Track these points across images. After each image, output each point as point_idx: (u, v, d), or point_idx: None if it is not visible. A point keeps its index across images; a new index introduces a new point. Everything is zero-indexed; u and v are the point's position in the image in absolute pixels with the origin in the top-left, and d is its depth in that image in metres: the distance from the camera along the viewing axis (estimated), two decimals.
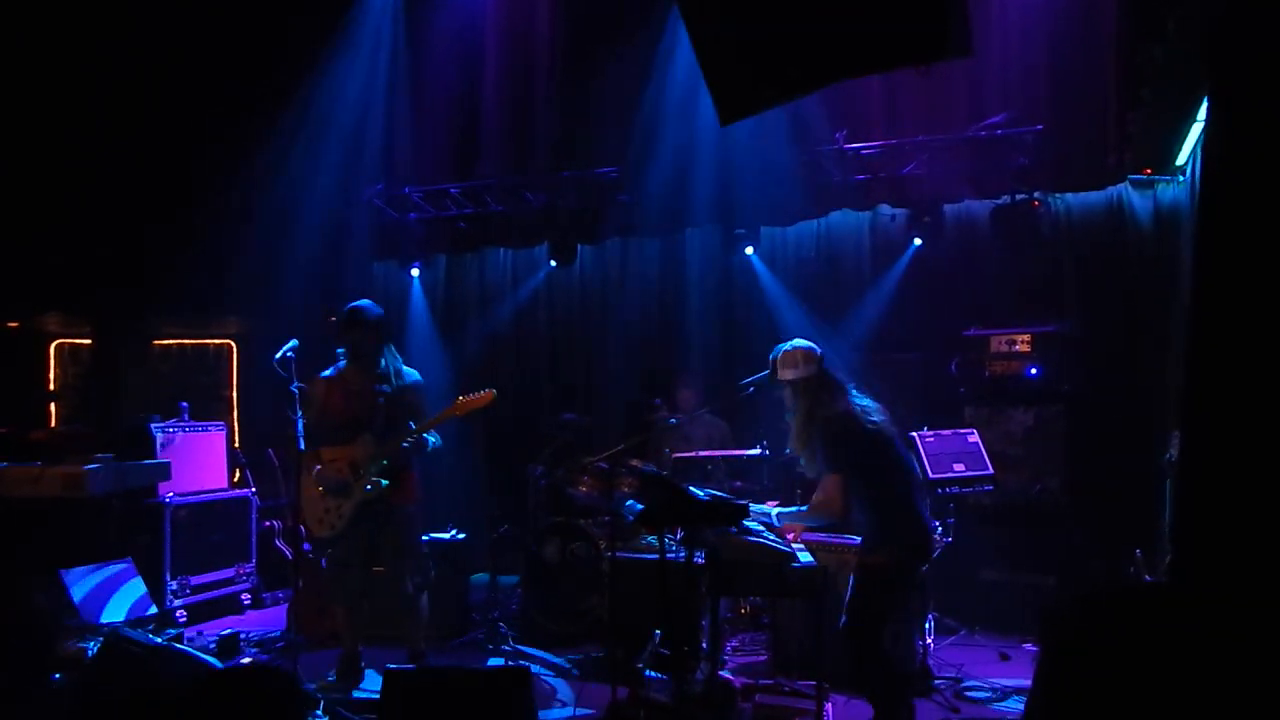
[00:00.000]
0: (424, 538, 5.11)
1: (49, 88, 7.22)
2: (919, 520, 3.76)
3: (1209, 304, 1.85)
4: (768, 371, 3.99)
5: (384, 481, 4.57)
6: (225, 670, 3.47)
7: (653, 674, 4.05)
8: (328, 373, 4.78)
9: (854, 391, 3.89)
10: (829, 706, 4.12)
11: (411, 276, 7.84)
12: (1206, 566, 1.79)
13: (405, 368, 4.82)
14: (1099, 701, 1.55)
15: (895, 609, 3.87)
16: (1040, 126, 5.84)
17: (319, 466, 4.63)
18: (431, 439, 4.71)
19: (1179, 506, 1.94)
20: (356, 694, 4.56)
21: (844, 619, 3.71)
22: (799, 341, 3.97)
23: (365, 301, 4.78)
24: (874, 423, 3.79)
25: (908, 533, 3.71)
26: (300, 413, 4.41)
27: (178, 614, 5.81)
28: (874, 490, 3.72)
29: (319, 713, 4.16)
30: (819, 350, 3.93)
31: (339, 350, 4.75)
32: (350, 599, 4.72)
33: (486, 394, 4.66)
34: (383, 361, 4.71)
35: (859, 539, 4.49)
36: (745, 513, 3.59)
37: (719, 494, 3.72)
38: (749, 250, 6.83)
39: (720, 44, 2.42)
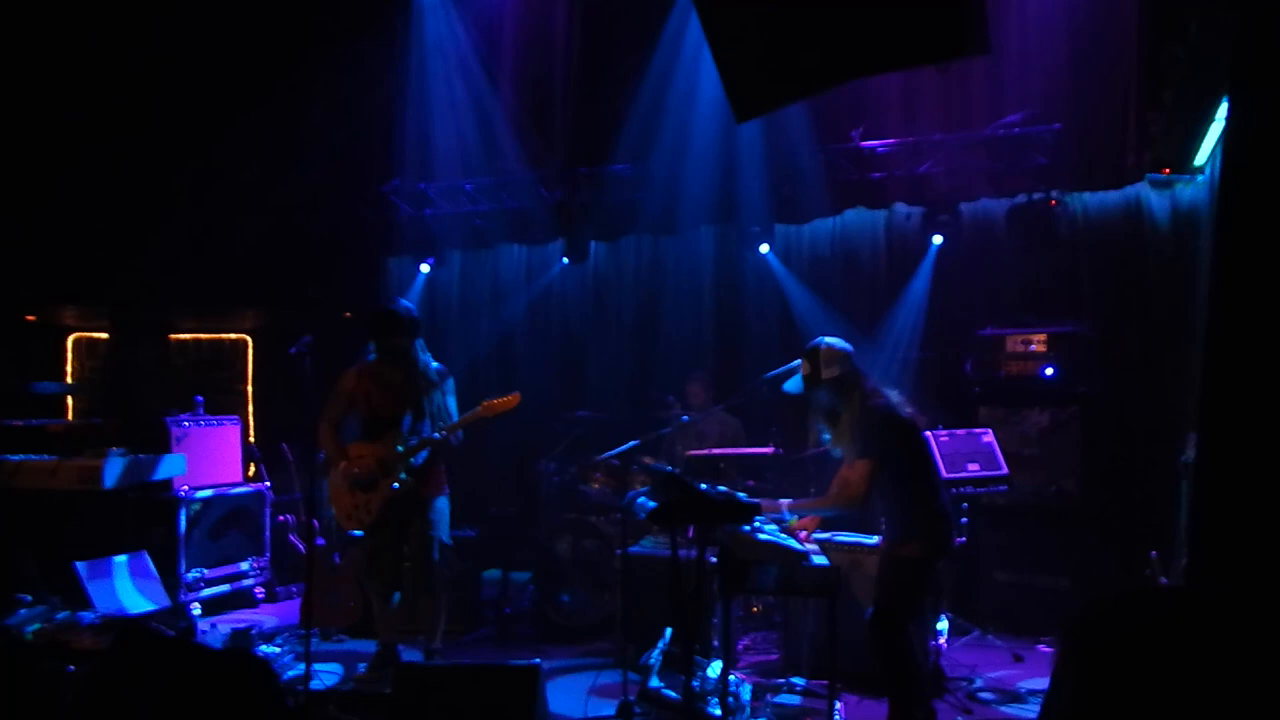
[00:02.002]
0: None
1: (69, 82, 7.27)
2: (947, 513, 3.86)
3: (1227, 305, 1.83)
4: (799, 374, 3.97)
5: (404, 476, 4.58)
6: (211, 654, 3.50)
7: (664, 672, 4.04)
8: (355, 367, 4.79)
9: (878, 383, 3.96)
10: (840, 706, 4.10)
11: (421, 272, 7.85)
12: (1223, 570, 1.77)
13: (434, 363, 4.82)
14: (1116, 706, 1.54)
15: (923, 602, 3.89)
16: (1058, 125, 5.80)
17: (344, 463, 4.64)
18: (453, 437, 4.71)
19: (1196, 509, 1.92)
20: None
21: (871, 610, 3.73)
22: (831, 340, 3.98)
23: (400, 302, 4.80)
24: (910, 416, 3.87)
25: (938, 524, 3.79)
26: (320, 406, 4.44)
27: (191, 607, 5.84)
28: (911, 482, 3.79)
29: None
30: (850, 346, 3.96)
31: (369, 345, 4.73)
32: (384, 589, 4.73)
33: (513, 397, 4.63)
34: (413, 358, 4.71)
35: (873, 538, 4.50)
36: (758, 511, 3.59)
37: (731, 492, 3.71)
38: (764, 248, 6.82)
39: (736, 41, 2.41)
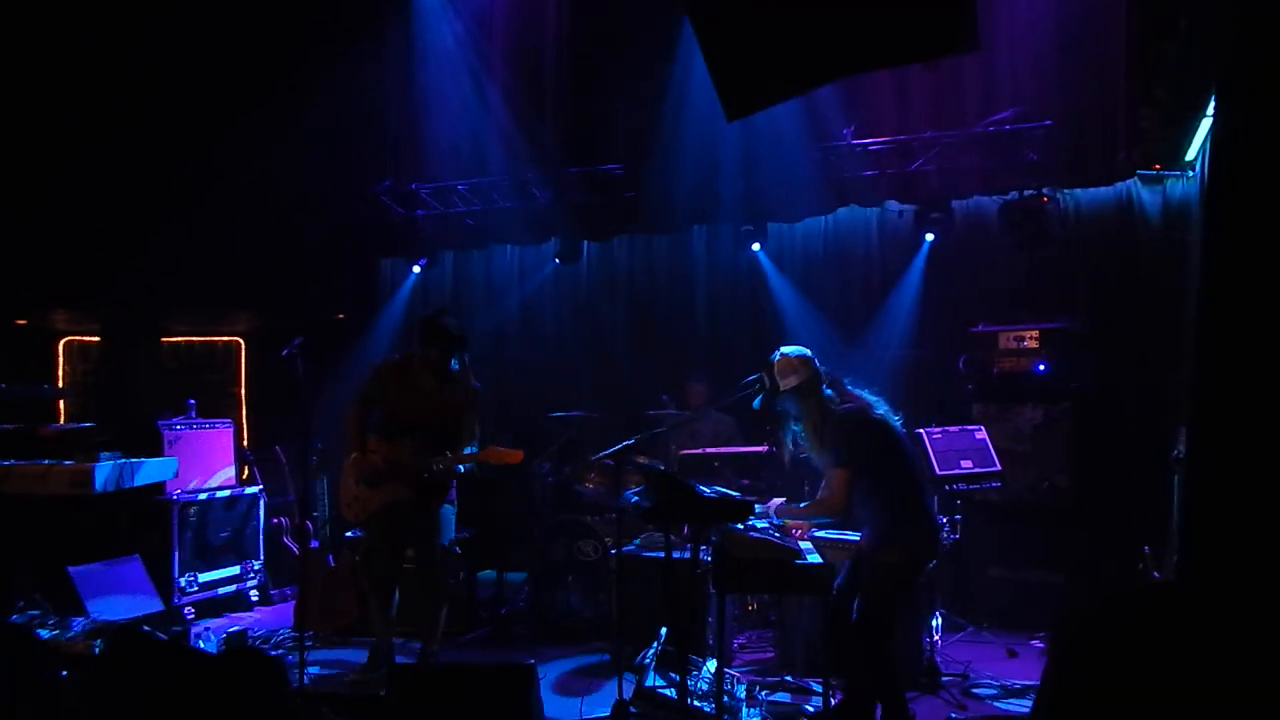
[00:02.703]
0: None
1: (65, 83, 7.24)
2: (929, 515, 3.81)
3: (1216, 301, 1.84)
4: (764, 385, 3.97)
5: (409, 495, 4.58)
6: (214, 657, 3.49)
7: (659, 671, 4.04)
8: (396, 358, 4.80)
9: (849, 385, 3.93)
10: (835, 703, 4.10)
11: (412, 273, 7.83)
12: (1213, 565, 1.77)
13: (472, 380, 4.80)
14: (1106, 704, 1.54)
15: (907, 605, 3.88)
16: (1050, 122, 5.81)
17: (357, 455, 4.64)
18: (461, 468, 4.66)
19: (1186, 504, 1.92)
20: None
21: (856, 615, 3.72)
22: (788, 349, 3.99)
23: (448, 317, 4.72)
24: (880, 415, 3.83)
25: (920, 528, 3.75)
26: (302, 397, 4.39)
27: (185, 611, 5.83)
28: (888, 484, 3.75)
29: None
30: (809, 352, 3.95)
31: (420, 350, 4.69)
32: (381, 587, 4.72)
33: (517, 453, 4.58)
34: (454, 370, 4.68)
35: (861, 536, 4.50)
36: (751, 510, 3.59)
37: (725, 491, 3.71)
38: (756, 247, 6.82)
39: (726, 39, 2.41)
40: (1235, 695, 1.49)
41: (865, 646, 3.69)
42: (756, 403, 4.04)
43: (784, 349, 3.99)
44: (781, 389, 3.88)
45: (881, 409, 3.87)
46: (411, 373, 4.69)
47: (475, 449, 4.66)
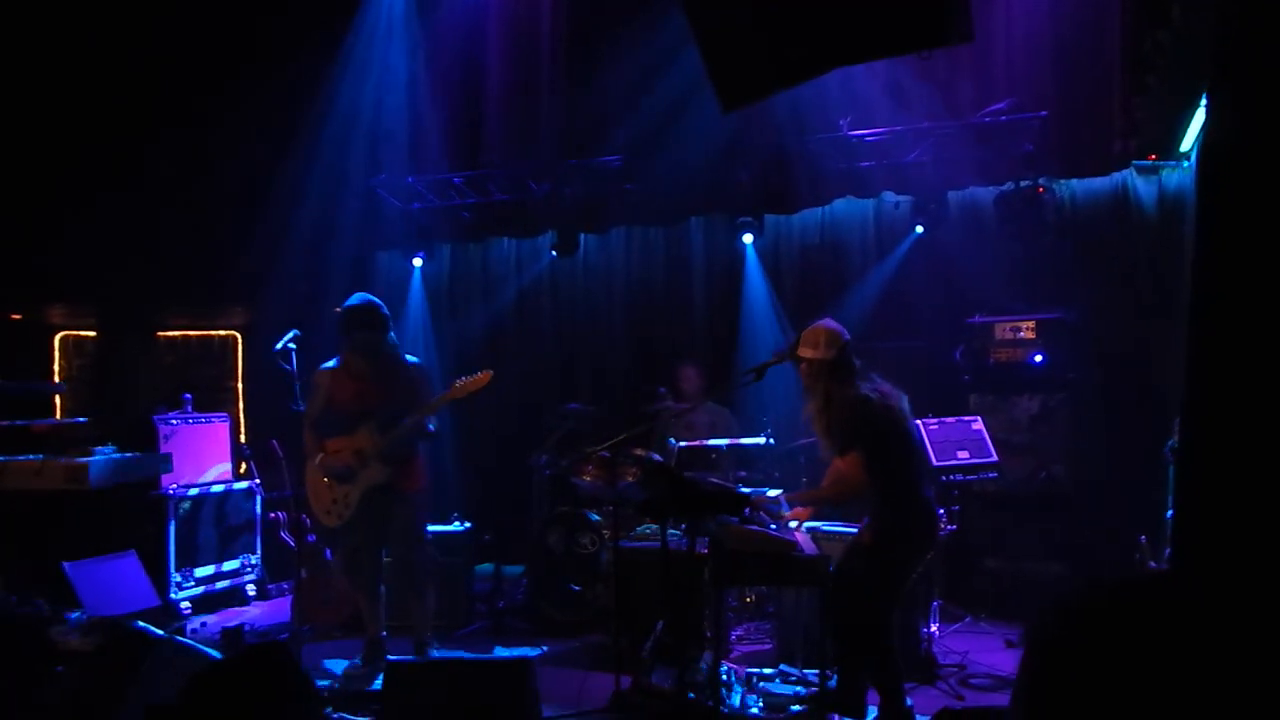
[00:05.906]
0: (429, 527, 5.11)
1: (60, 79, 7.22)
2: (922, 507, 3.78)
3: (1210, 291, 1.83)
4: (785, 348, 3.99)
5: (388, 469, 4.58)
6: (223, 661, 3.47)
7: (657, 664, 4.05)
8: (331, 364, 4.79)
9: (874, 376, 3.90)
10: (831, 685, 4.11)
11: (414, 266, 7.82)
12: (1207, 556, 1.77)
13: (407, 355, 4.84)
14: (1086, 696, 1.53)
15: (877, 585, 3.79)
16: (1045, 113, 5.80)
17: (322, 455, 4.65)
18: (430, 424, 4.72)
19: (1179, 495, 1.92)
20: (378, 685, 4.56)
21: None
22: (828, 322, 3.94)
23: (366, 297, 4.76)
24: (889, 406, 3.81)
25: (906, 518, 3.74)
26: (304, 404, 4.43)
27: (182, 606, 5.82)
28: (881, 474, 3.74)
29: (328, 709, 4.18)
30: (846, 335, 3.91)
31: (347, 340, 4.72)
32: (367, 585, 4.74)
33: (483, 375, 4.63)
34: (385, 350, 4.72)
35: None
36: (747, 502, 3.60)
37: (721, 483, 3.71)
38: (747, 239, 6.80)
39: (721, 32, 2.41)
40: (1225, 689, 1.49)
41: (837, 628, 3.68)
42: (756, 370, 4.05)
43: (826, 320, 3.95)
44: (810, 358, 3.85)
45: (893, 402, 3.82)
46: (348, 367, 4.72)
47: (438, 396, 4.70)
